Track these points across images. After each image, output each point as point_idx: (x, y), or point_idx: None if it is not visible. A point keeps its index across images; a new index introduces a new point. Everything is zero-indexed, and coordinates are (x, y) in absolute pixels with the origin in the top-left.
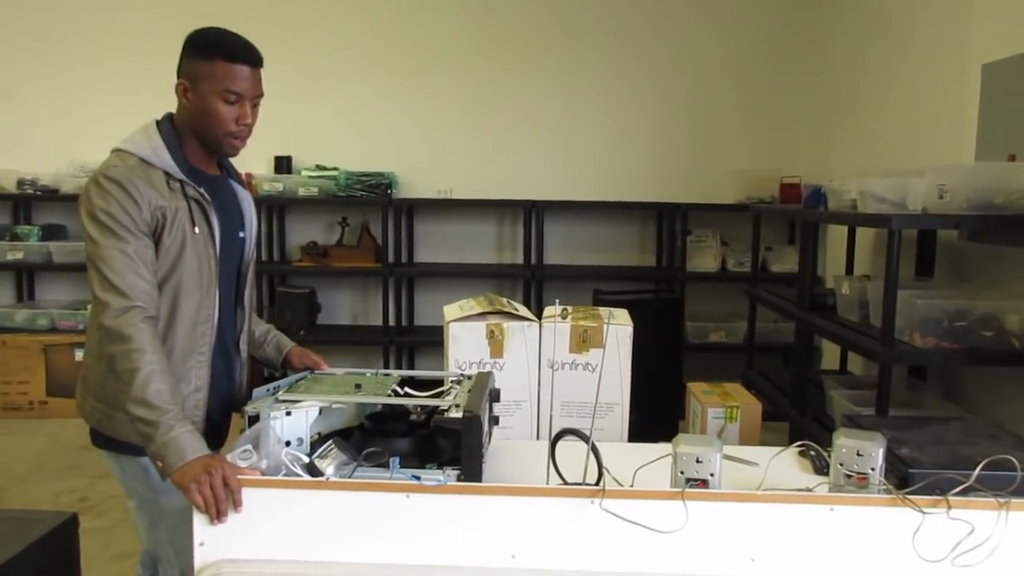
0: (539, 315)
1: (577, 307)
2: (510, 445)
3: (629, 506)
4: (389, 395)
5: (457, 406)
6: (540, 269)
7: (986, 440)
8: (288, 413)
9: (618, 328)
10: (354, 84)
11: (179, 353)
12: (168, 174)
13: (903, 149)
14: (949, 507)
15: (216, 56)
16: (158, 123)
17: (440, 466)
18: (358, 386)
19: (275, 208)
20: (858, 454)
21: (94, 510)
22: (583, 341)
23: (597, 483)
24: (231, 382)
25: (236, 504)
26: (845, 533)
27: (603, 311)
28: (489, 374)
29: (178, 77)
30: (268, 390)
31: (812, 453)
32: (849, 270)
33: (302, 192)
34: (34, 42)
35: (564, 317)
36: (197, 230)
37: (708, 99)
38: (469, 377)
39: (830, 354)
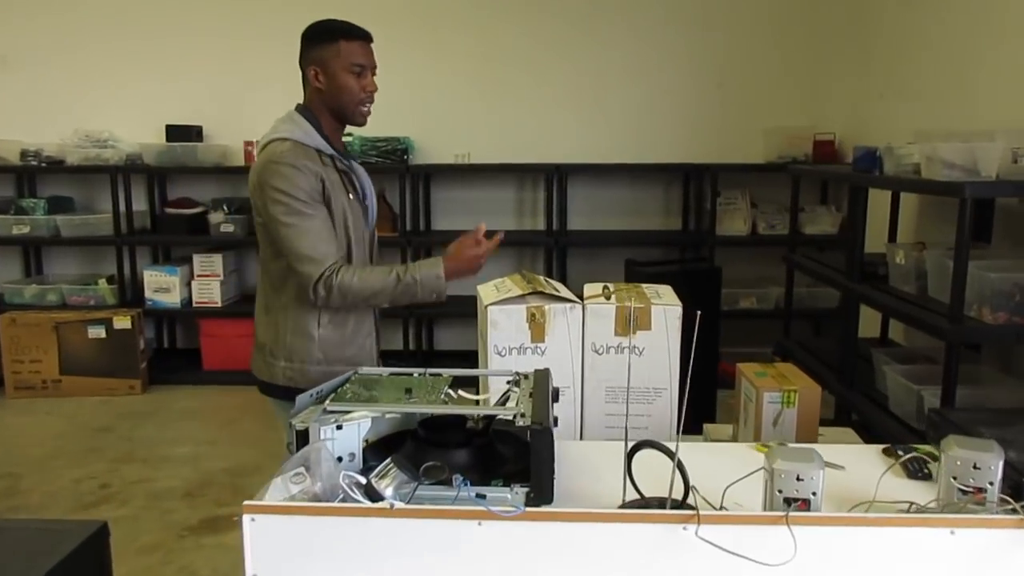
0: (567, 285)
1: (619, 284)
2: (563, 446)
3: (725, 532)
4: (444, 400)
5: (523, 415)
6: (563, 236)
7: None
8: (339, 427)
9: (666, 308)
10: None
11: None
12: (320, 151)
13: (960, 107)
14: None
15: (339, 38)
16: (297, 110)
17: (505, 481)
18: (408, 390)
19: None
20: (975, 467)
21: (117, 498)
22: (629, 323)
23: (683, 503)
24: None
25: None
26: (966, 560)
27: (647, 289)
28: (547, 372)
29: (306, 66)
30: (312, 395)
31: (901, 453)
32: (892, 236)
33: None
34: (36, 8)
35: (607, 297)
36: (351, 196)
37: (737, 53)
38: (526, 376)
39: (867, 321)
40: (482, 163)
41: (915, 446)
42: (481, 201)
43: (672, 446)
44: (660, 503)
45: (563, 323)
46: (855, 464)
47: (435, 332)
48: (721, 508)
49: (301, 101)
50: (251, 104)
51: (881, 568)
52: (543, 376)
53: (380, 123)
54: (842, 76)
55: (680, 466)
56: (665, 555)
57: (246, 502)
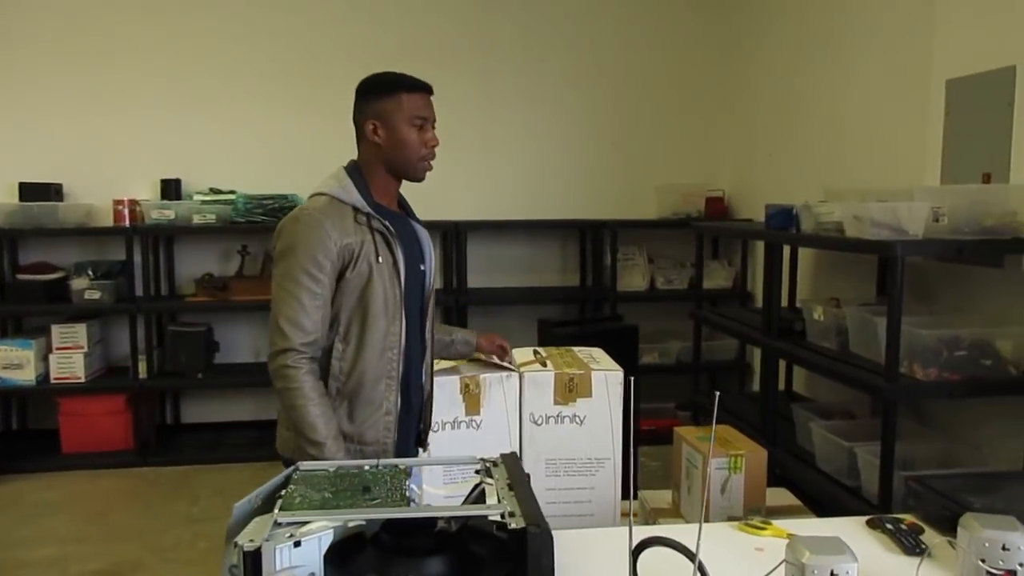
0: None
1: (549, 349)
2: None
3: None
4: (409, 499)
5: (511, 514)
6: (464, 294)
7: None
8: (298, 544)
9: (607, 374)
10: (249, 99)
11: (370, 377)
12: (356, 209)
13: (852, 166)
14: None
15: (400, 90)
16: (346, 167)
17: None
18: (367, 488)
19: (162, 238)
20: (1003, 548)
21: None
22: (569, 391)
23: None
24: (415, 411)
25: None
26: None
27: (580, 352)
28: (514, 456)
29: (363, 120)
30: (249, 502)
31: (890, 527)
32: (792, 292)
33: (197, 219)
34: None
35: (542, 363)
36: (381, 259)
37: (629, 112)
38: (495, 463)
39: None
40: None
41: (898, 517)
42: None
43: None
44: None
45: (499, 393)
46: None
47: None
48: None
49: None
50: (120, 159)
51: None
52: (513, 462)
53: (265, 179)
54: (729, 136)
55: (702, 567)
56: None
57: None
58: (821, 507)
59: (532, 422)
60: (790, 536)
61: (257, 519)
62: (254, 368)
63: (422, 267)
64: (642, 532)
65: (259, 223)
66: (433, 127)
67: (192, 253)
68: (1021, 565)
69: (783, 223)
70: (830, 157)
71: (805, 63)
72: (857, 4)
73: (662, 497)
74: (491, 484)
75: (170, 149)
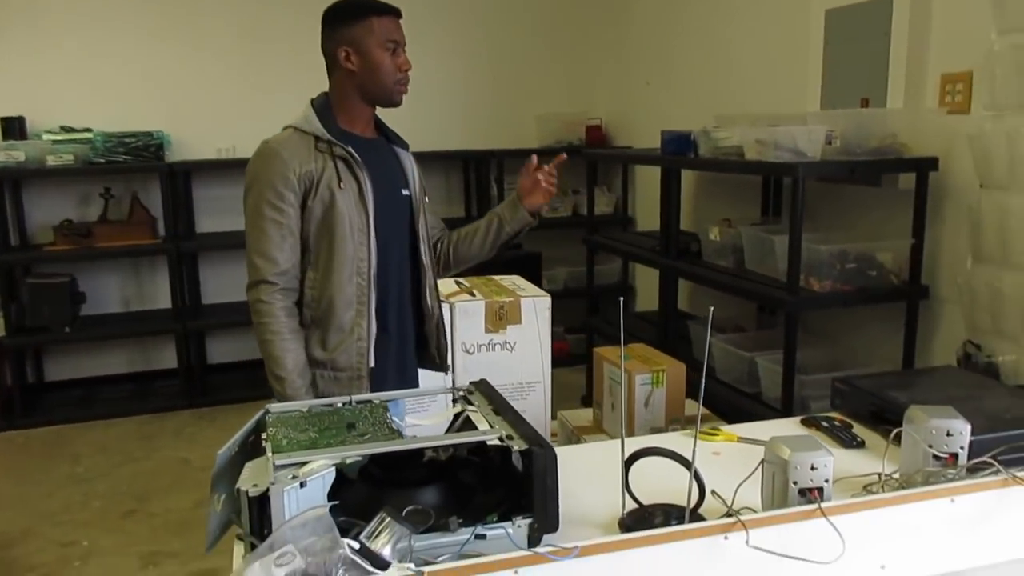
0: None
1: (472, 279)
2: None
3: (764, 535)
4: (397, 431)
5: (509, 437)
6: None
7: (979, 390)
8: (303, 485)
9: (536, 300)
10: (103, 25)
11: (339, 303)
12: (317, 137)
13: (733, 94)
14: None
15: (370, 14)
16: (313, 99)
17: (486, 513)
18: (351, 425)
19: (7, 183)
20: (948, 434)
21: None
22: (499, 319)
23: (696, 509)
24: (409, 337)
25: None
26: (966, 523)
27: (504, 281)
28: (487, 384)
29: (335, 48)
30: (229, 448)
31: (825, 425)
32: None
33: (52, 161)
34: None
35: (470, 293)
36: (344, 185)
37: (506, 41)
38: (470, 391)
39: (648, 295)
40: (249, 158)
41: (828, 415)
42: None
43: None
44: (665, 511)
45: None
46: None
47: (209, 345)
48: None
49: None
50: None
51: (895, 542)
52: (488, 389)
53: (126, 116)
54: (604, 64)
55: (697, 475)
56: (710, 568)
57: None
58: (726, 414)
59: (464, 351)
60: (740, 439)
61: (250, 464)
62: (125, 318)
63: (405, 191)
64: (612, 447)
65: (122, 163)
66: (404, 51)
67: (46, 198)
68: (962, 448)
69: (680, 148)
70: (711, 85)
71: None
72: None
73: (582, 416)
74: (475, 411)
75: (10, 83)
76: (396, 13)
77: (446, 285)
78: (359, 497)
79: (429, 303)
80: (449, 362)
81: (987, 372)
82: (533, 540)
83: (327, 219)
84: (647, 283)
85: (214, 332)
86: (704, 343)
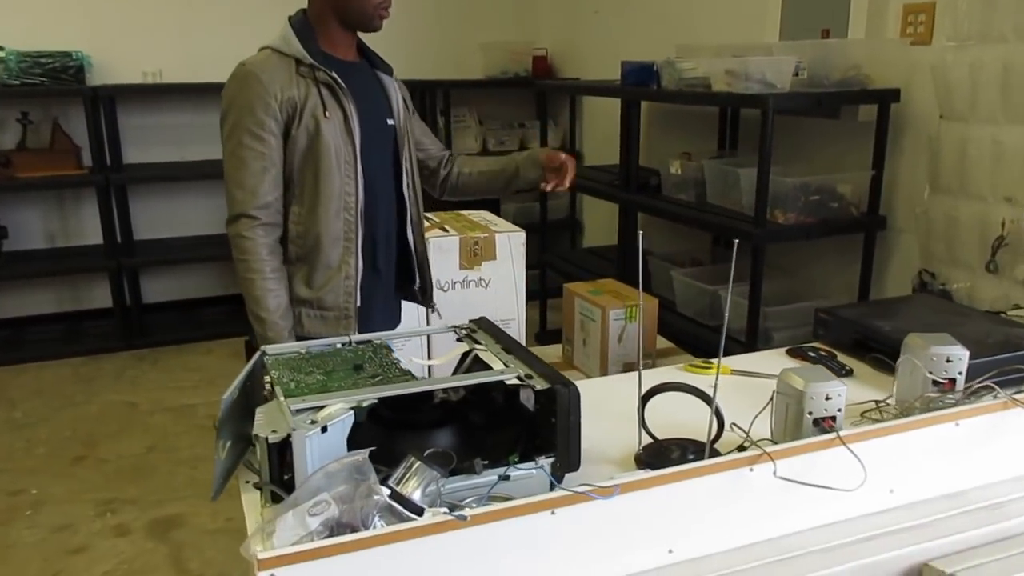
0: None
1: (440, 215)
2: None
3: (787, 466)
4: (407, 372)
5: (528, 376)
6: None
7: (956, 316)
8: (324, 430)
9: (511, 235)
10: None
11: (326, 240)
12: (298, 61)
13: (687, 24)
14: None
15: None
16: (291, 17)
17: (505, 453)
18: (359, 366)
19: None
20: (947, 360)
21: None
22: (474, 255)
23: (715, 442)
24: (393, 273)
25: None
26: (970, 446)
27: (475, 216)
28: (487, 321)
29: None
30: (231, 393)
31: (812, 355)
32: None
33: None
34: None
35: (442, 229)
36: (329, 114)
37: None
38: (473, 329)
39: (599, 230)
40: (179, 83)
41: (813, 345)
42: (181, 128)
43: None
44: (680, 446)
45: None
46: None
47: (143, 283)
48: (757, 441)
49: None
50: None
51: (902, 468)
52: (490, 327)
53: (44, 34)
54: None
55: (718, 410)
56: (734, 499)
57: (258, 555)
58: (692, 347)
59: (439, 288)
60: (733, 372)
61: (262, 409)
62: (52, 254)
63: (390, 121)
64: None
65: (39, 86)
66: None
67: None
68: (960, 373)
69: (642, 79)
70: (663, 14)
71: None
72: None
73: (550, 352)
74: (483, 349)
75: None
76: None
77: None
78: (372, 440)
79: (412, 238)
80: (434, 299)
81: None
82: (556, 479)
83: (312, 150)
84: (595, 218)
85: (148, 270)
86: (665, 277)
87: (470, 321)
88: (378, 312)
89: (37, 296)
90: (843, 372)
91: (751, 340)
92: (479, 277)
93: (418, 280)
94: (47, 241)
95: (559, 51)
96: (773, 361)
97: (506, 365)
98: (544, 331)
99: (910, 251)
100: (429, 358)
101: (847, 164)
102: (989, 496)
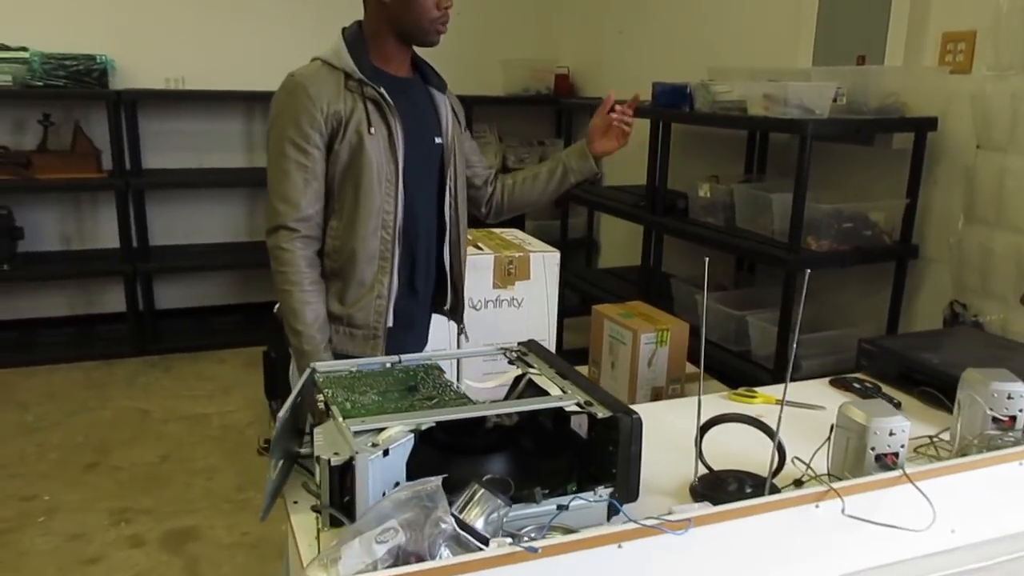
0: None
1: (473, 231)
2: None
3: (854, 503)
4: (462, 395)
5: (588, 403)
6: None
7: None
8: (386, 452)
9: (545, 255)
10: None
11: (361, 257)
12: (347, 75)
13: (719, 47)
14: None
15: None
16: (346, 29)
17: (564, 483)
18: (413, 387)
19: None
20: (1008, 397)
21: None
22: (508, 274)
23: (776, 474)
24: (429, 294)
25: None
26: None
27: (506, 234)
28: (536, 344)
29: None
30: (287, 412)
31: (857, 387)
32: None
33: None
34: None
35: (476, 247)
36: (374, 130)
37: None
38: (524, 352)
39: (614, 252)
40: (201, 89)
41: (857, 376)
42: (202, 134)
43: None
44: (737, 478)
45: None
46: (831, 405)
47: (156, 290)
48: (822, 476)
49: None
50: None
51: (965, 507)
52: (540, 349)
53: (69, 37)
54: (574, 10)
55: (781, 447)
56: (802, 535)
57: None
58: (717, 373)
59: (471, 307)
60: (778, 402)
61: (320, 430)
62: (67, 257)
63: (437, 139)
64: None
65: (62, 88)
66: None
67: None
68: (1021, 411)
69: (675, 101)
70: (689, 36)
71: None
72: None
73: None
74: (537, 374)
75: None
76: None
77: None
78: (426, 463)
79: (448, 259)
80: (465, 319)
81: None
82: (613, 509)
83: (353, 165)
84: (612, 238)
85: (163, 276)
86: (688, 301)
87: (519, 344)
88: (410, 332)
89: (50, 298)
90: (891, 405)
91: (779, 367)
92: (512, 296)
93: (450, 300)
94: (62, 243)
95: (581, 70)
96: (817, 391)
97: (563, 391)
98: (560, 350)
99: (941, 281)
100: (458, 379)
101: (878, 191)
102: None
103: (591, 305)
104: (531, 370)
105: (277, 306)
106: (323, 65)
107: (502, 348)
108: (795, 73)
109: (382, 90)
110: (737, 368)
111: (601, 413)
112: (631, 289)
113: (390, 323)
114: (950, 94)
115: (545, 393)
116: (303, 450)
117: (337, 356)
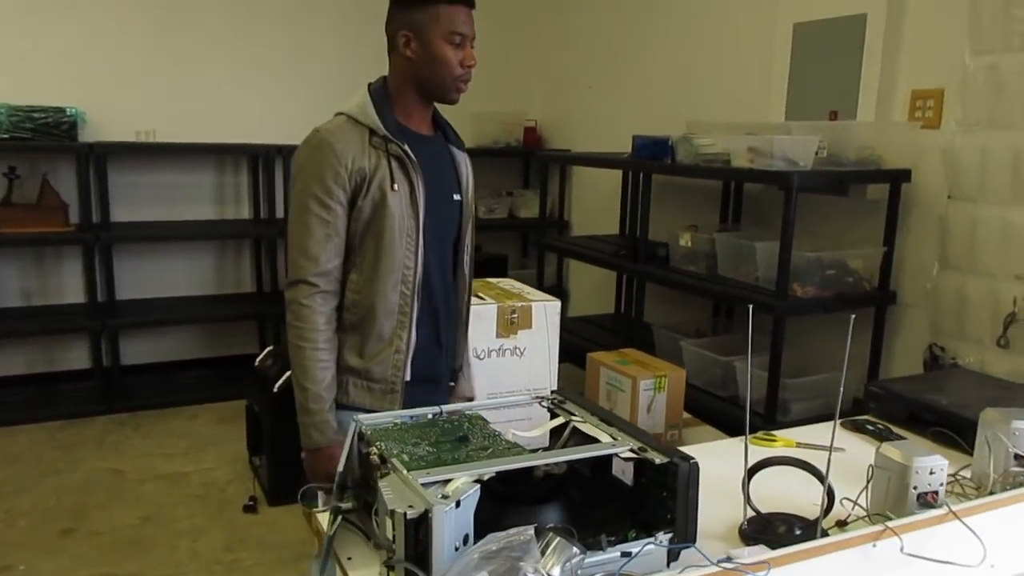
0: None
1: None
2: None
3: (909, 540)
4: (510, 445)
5: (643, 449)
6: (274, 224)
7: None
8: (458, 504)
9: (547, 305)
10: None
11: (381, 312)
12: (372, 131)
13: (681, 101)
14: None
15: (439, 1)
16: (371, 84)
17: (615, 530)
18: (463, 438)
19: None
20: None
21: None
22: (511, 323)
23: (825, 515)
24: (444, 350)
25: None
26: None
27: (505, 284)
28: (569, 391)
29: (397, 31)
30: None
31: (869, 428)
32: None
33: None
34: None
35: (478, 296)
36: (397, 187)
37: None
38: (561, 400)
39: (579, 297)
40: (172, 142)
41: (868, 419)
42: (172, 187)
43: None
44: (785, 520)
45: None
46: (847, 446)
47: (122, 346)
48: (875, 516)
49: None
50: None
51: (1001, 541)
52: (577, 396)
53: (38, 89)
54: (542, 65)
55: (830, 489)
56: (861, 574)
57: None
58: (706, 418)
59: (475, 356)
60: (798, 445)
61: (387, 483)
62: (27, 313)
63: (456, 197)
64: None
65: (29, 140)
66: (472, 45)
67: None
68: None
69: (656, 153)
70: (661, 91)
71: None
72: None
73: None
74: (580, 421)
75: None
76: (469, 3)
77: None
78: (483, 514)
79: (463, 315)
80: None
81: None
82: (673, 554)
83: (376, 221)
84: (581, 287)
85: (129, 331)
86: (670, 347)
87: (553, 392)
88: (436, 386)
89: (8, 357)
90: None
91: (770, 411)
92: (515, 345)
93: (459, 358)
94: (22, 299)
95: (550, 122)
96: (827, 432)
97: (613, 437)
98: None
99: (919, 326)
100: None
101: (853, 240)
102: None
103: (570, 353)
104: (574, 418)
105: (259, 358)
106: (348, 120)
107: (536, 398)
108: (774, 127)
109: (406, 147)
110: (726, 412)
111: (658, 459)
112: (609, 336)
113: (407, 377)
114: (921, 148)
115: (592, 440)
116: (344, 504)
117: (354, 409)
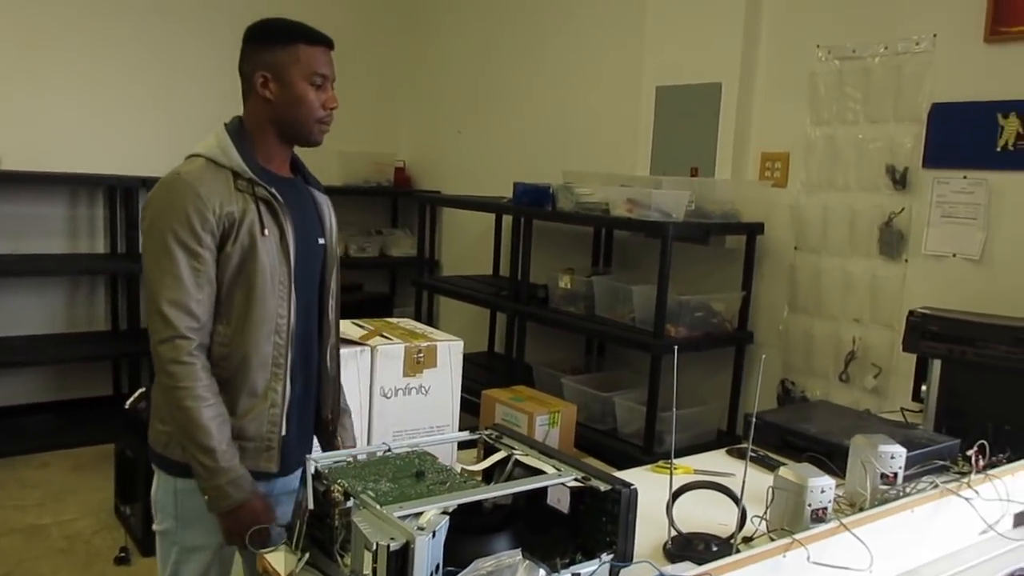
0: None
1: (370, 321)
2: None
3: (814, 551)
4: (466, 478)
5: (586, 478)
6: (135, 260)
7: (858, 420)
8: (434, 535)
9: (451, 345)
10: None
11: (254, 364)
12: (236, 174)
13: (560, 153)
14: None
15: (298, 41)
16: (227, 124)
17: (559, 555)
18: (420, 473)
19: None
20: (892, 457)
21: None
22: (417, 363)
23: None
24: (312, 400)
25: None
26: (920, 527)
27: (407, 324)
28: (504, 427)
29: (254, 71)
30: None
31: (753, 454)
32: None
33: None
34: None
35: (384, 336)
36: (267, 232)
37: None
38: (498, 436)
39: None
40: (20, 171)
41: (751, 447)
42: (21, 219)
43: None
44: (703, 539)
45: (353, 369)
46: (734, 471)
47: None
48: (781, 530)
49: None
50: None
51: (886, 546)
52: (512, 432)
53: None
54: (410, 108)
55: (744, 510)
56: None
57: None
58: (588, 450)
59: (383, 396)
60: (695, 472)
61: (361, 518)
62: None
63: (321, 240)
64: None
65: None
66: (332, 86)
67: None
68: (900, 468)
69: (537, 199)
70: (536, 140)
71: (499, 51)
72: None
73: (468, 456)
74: (522, 455)
75: None
76: (328, 44)
77: (350, 328)
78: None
79: (328, 365)
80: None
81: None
82: (614, 573)
83: (245, 269)
84: (451, 325)
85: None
86: (550, 384)
87: (488, 428)
88: (306, 442)
89: None
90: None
91: (648, 443)
92: (420, 384)
93: (327, 409)
94: None
95: (418, 164)
96: (717, 460)
97: (556, 468)
98: None
99: (773, 363)
100: None
101: (713, 284)
102: (943, 568)
103: None
104: (515, 452)
105: (131, 401)
106: (208, 163)
107: (475, 432)
108: (645, 180)
109: (273, 190)
110: (607, 446)
111: (603, 487)
112: (488, 374)
113: (283, 432)
114: (772, 204)
115: (536, 471)
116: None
117: None
